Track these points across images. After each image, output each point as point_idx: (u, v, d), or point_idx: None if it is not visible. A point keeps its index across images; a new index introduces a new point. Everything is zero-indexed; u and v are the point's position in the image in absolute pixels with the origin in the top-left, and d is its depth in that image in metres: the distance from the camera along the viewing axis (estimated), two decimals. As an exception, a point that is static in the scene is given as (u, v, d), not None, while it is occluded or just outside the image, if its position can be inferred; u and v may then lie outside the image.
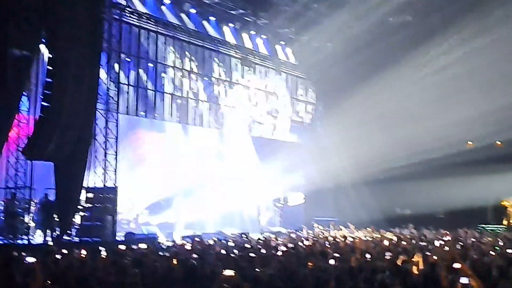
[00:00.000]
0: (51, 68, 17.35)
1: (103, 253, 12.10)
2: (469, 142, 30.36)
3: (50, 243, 17.04)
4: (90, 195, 19.50)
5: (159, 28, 24.65)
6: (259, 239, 17.51)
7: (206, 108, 27.37)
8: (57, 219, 18.54)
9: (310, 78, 33.50)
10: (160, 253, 12.37)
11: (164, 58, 25.26)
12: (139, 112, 24.20)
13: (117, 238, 19.69)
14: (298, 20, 28.76)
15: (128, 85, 23.38)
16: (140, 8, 23.84)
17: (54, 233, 18.35)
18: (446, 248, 14.13)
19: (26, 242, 17.69)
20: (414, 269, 10.16)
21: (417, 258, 10.62)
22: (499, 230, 26.61)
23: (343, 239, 17.35)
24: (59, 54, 17.45)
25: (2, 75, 16.05)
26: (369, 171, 29.22)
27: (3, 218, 18.08)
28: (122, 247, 12.76)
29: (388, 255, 11.51)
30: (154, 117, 25.00)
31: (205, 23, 27.41)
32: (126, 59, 23.19)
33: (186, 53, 26.35)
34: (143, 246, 13.61)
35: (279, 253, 11.53)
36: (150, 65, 24.72)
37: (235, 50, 28.48)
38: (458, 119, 27.12)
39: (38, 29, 17.23)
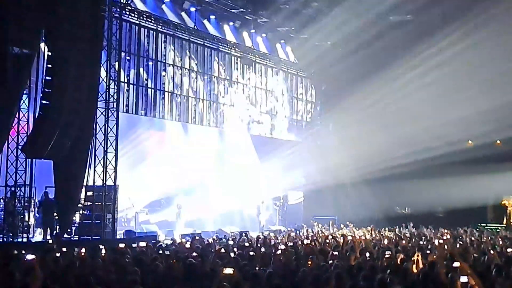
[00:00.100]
0: (51, 66, 17.34)
1: (103, 252, 12.09)
2: (469, 141, 30.37)
3: (50, 241, 17.03)
4: (90, 193, 19.53)
5: (159, 26, 24.65)
6: (258, 237, 17.49)
7: (206, 107, 27.37)
8: (57, 218, 18.55)
9: (310, 77, 33.50)
10: (160, 251, 12.36)
11: (164, 56, 25.25)
12: (139, 110, 24.20)
13: (117, 236, 19.69)
14: (298, 18, 28.76)
15: (128, 83, 23.37)
16: (140, 6, 23.84)
17: (54, 232, 18.36)
18: (446, 247, 14.12)
19: (25, 240, 17.72)
20: (414, 268, 10.18)
21: (417, 257, 10.63)
22: (498, 229, 26.62)
23: (342, 238, 17.33)
24: (59, 52, 17.45)
25: (2, 73, 16.05)
26: (369, 169, 29.24)
27: (3, 216, 18.08)
28: (122, 245, 12.74)
29: (387, 254, 11.51)
30: (154, 115, 24.99)
31: (205, 21, 27.43)
32: (126, 57, 23.17)
33: (186, 51, 26.35)
34: (142, 244, 13.60)
35: (279, 251, 11.51)
36: (150, 63, 24.71)
37: (235, 48, 28.47)
38: (458, 118, 27.14)
39: (38, 28, 17.23)
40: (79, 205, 19.25)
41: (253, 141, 29.65)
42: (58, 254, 11.19)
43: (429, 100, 28.59)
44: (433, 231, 23.04)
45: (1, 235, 17.65)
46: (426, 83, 28.27)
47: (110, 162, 20.17)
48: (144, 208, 24.53)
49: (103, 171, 19.90)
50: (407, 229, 24.07)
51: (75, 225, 19.30)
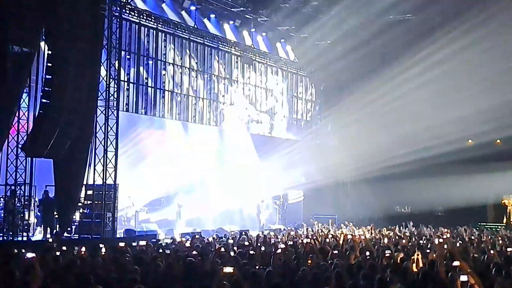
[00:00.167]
0: (51, 65, 17.34)
1: (103, 250, 12.09)
2: (469, 140, 30.36)
3: (50, 240, 17.03)
4: (90, 192, 19.52)
5: (159, 25, 24.65)
6: (258, 236, 17.49)
7: (206, 106, 27.36)
8: (57, 216, 18.55)
9: (310, 76, 33.50)
10: (160, 250, 12.37)
11: (164, 55, 25.26)
12: (139, 109, 24.20)
13: (116, 235, 19.69)
14: (298, 17, 28.76)
15: (128, 82, 23.38)
16: (140, 5, 23.84)
17: (54, 230, 18.37)
18: (446, 246, 14.13)
19: (25, 239, 17.72)
20: (414, 267, 10.18)
21: (417, 256, 10.63)
22: (498, 228, 26.62)
23: (342, 237, 17.34)
24: (59, 51, 17.44)
25: (2, 72, 16.04)
26: (369, 168, 29.27)
27: (3, 215, 18.07)
28: (122, 244, 12.74)
29: (387, 253, 11.51)
30: (154, 114, 24.99)
31: (205, 20, 27.43)
32: (126, 56, 23.17)
33: (186, 50, 26.35)
34: (142, 243, 13.60)
35: (279, 250, 11.50)
36: (150, 62, 24.72)
37: (235, 47, 28.46)
38: (458, 117, 27.14)
39: (38, 26, 17.21)
40: (79, 204, 19.24)
41: (253, 140, 29.65)
42: (58, 253, 11.18)
43: (429, 99, 28.59)
44: (433, 230, 23.04)
45: (1, 234, 17.64)
46: (426, 82, 28.25)
47: (110, 161, 20.16)
48: (144, 207, 24.54)
49: (103, 170, 19.89)
50: (407, 228, 24.06)
51: (75, 224, 19.30)
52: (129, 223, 23.23)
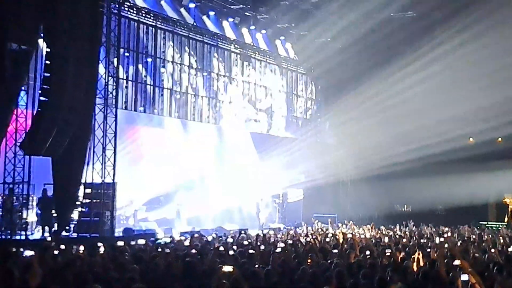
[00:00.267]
0: (49, 62, 17.28)
1: (102, 249, 12.03)
2: (470, 139, 30.32)
3: (48, 238, 16.98)
4: (89, 190, 19.46)
5: (158, 22, 24.60)
6: (258, 235, 17.45)
7: (206, 104, 27.30)
8: (55, 215, 18.50)
9: (310, 74, 33.44)
10: (159, 249, 12.32)
11: (163, 53, 25.20)
12: (138, 107, 24.15)
13: (115, 234, 19.63)
14: (298, 15, 28.71)
15: (127, 80, 23.33)
16: (139, 2, 23.78)
17: (52, 229, 18.31)
18: (447, 245, 14.08)
19: (24, 237, 17.66)
20: (414, 266, 10.13)
21: (418, 255, 10.58)
22: (499, 227, 26.59)
23: (342, 236, 17.29)
24: (58, 49, 17.38)
25: (0, 70, 15.98)
26: (369, 167, 29.22)
27: (1, 214, 18.01)
28: (121, 243, 12.69)
29: (388, 252, 11.46)
30: (153, 112, 24.93)
31: (204, 17, 27.36)
32: (125, 54, 23.11)
33: (186, 48, 26.29)
34: (141, 242, 13.55)
35: (278, 249, 11.45)
36: (149, 60, 24.65)
37: (234, 45, 28.40)
38: (458, 115, 27.09)
39: (37, 24, 17.17)
40: (78, 203, 19.19)
41: (253, 138, 29.61)
42: (56, 252, 11.14)
43: (430, 97, 28.55)
44: (434, 229, 23.00)
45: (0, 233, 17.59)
46: (426, 79, 28.22)
47: (108, 159, 20.10)
48: (142, 205, 24.49)
49: (101, 168, 19.84)
50: (407, 228, 24.02)
51: (74, 222, 19.22)
52: (127, 222, 23.17)
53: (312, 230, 22.07)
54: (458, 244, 15.34)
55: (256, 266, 9.60)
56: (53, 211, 18.51)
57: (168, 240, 16.65)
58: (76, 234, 18.81)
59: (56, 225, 18.45)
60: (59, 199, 18.40)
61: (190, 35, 26.26)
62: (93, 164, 19.67)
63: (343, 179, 32.42)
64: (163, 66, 25.32)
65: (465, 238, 18.19)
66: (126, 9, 22.53)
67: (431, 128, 28.43)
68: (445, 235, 19.28)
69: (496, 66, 26.50)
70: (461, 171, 27.77)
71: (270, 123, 30.79)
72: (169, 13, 25.29)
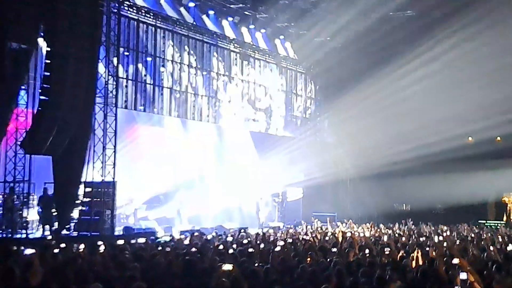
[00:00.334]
0: (49, 61, 17.33)
1: (102, 248, 12.07)
2: (469, 138, 30.35)
3: (49, 237, 17.02)
4: (89, 189, 19.49)
5: (158, 22, 24.61)
6: (257, 234, 17.49)
7: (205, 103, 27.33)
8: (56, 214, 18.53)
9: (309, 73, 33.46)
10: (159, 247, 12.36)
11: (163, 52, 25.20)
12: (138, 106, 24.16)
13: (115, 232, 19.67)
14: (298, 14, 28.71)
15: (127, 79, 23.33)
16: (139, 1, 23.78)
17: (53, 228, 18.35)
18: (446, 244, 14.13)
19: (24, 236, 17.69)
20: (413, 265, 10.17)
21: (417, 253, 10.62)
22: (498, 226, 26.63)
23: (341, 235, 17.34)
24: (58, 48, 17.42)
25: (0, 69, 16.03)
26: (369, 166, 29.24)
27: (2, 213, 18.05)
28: (121, 241, 12.72)
29: (387, 251, 11.50)
30: (153, 111, 24.95)
31: (204, 17, 27.37)
32: (125, 53, 23.13)
33: (185, 47, 26.30)
34: (141, 240, 13.59)
35: (278, 248, 11.49)
36: (149, 59, 24.67)
37: (234, 44, 28.42)
38: (457, 114, 27.10)
39: (37, 23, 17.22)
40: (78, 201, 19.22)
41: (252, 137, 29.64)
42: (57, 250, 11.17)
43: (429, 96, 28.56)
44: (433, 228, 23.05)
45: (0, 231, 17.62)
46: (425, 79, 28.23)
47: (108, 158, 20.14)
48: (142, 204, 24.53)
49: (102, 167, 19.88)
50: (406, 226, 24.06)
51: (74, 221, 19.27)
52: (127, 221, 23.21)
53: (312, 229, 22.11)
54: (457, 242, 15.38)
55: (256, 264, 9.64)
56: (53, 210, 18.55)
57: (168, 238, 16.69)
58: (77, 232, 18.85)
59: (56, 223, 18.49)
60: (59, 198, 18.45)
61: (189, 34, 26.28)
62: (93, 163, 19.71)
63: (343, 178, 32.44)
64: (163, 65, 25.33)
65: (464, 236, 18.22)
66: (126, 8, 22.55)
67: (431, 127, 28.45)
68: (444, 234, 19.33)
69: (495, 65, 26.53)
70: (461, 170, 27.81)
71: (269, 122, 30.81)
72: (168, 12, 25.30)
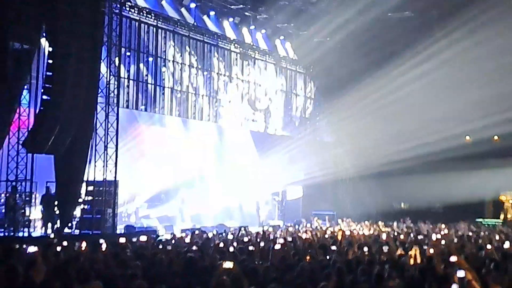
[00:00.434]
0: (51, 61, 17.42)
1: (104, 246, 12.16)
2: (467, 137, 30.42)
3: (51, 235, 17.14)
4: (91, 188, 19.59)
5: (159, 22, 24.70)
6: (258, 232, 17.59)
7: (206, 102, 27.43)
8: (58, 212, 18.64)
9: (309, 73, 33.52)
10: (160, 246, 12.46)
11: (164, 52, 25.29)
12: (139, 105, 24.27)
13: (117, 231, 19.79)
14: (298, 14, 28.78)
15: (128, 79, 23.42)
16: (140, 2, 23.88)
17: (55, 226, 18.47)
18: (444, 242, 14.24)
19: (26, 234, 17.80)
20: (412, 262, 10.28)
21: (415, 251, 10.73)
22: (496, 224, 26.73)
23: (341, 233, 17.45)
24: (60, 48, 17.50)
25: (2, 69, 16.12)
26: (368, 165, 29.31)
27: (4, 211, 18.16)
28: (122, 239, 12.81)
29: (386, 249, 11.61)
30: (154, 110, 25.06)
31: (205, 17, 27.46)
32: (126, 53, 23.22)
33: (186, 47, 26.39)
34: (143, 239, 13.69)
35: (278, 246, 11.59)
36: (150, 59, 24.76)
37: (234, 44, 28.51)
38: (455, 113, 27.17)
39: (39, 23, 17.30)
40: (80, 200, 19.33)
41: (253, 136, 29.72)
42: (59, 249, 11.26)
43: (427, 96, 28.63)
44: (431, 226, 23.15)
45: (2, 230, 17.73)
46: (423, 78, 28.28)
47: (110, 157, 20.23)
48: (144, 203, 24.63)
49: (103, 166, 19.99)
50: (404, 225, 24.17)
51: (76, 219, 19.38)
52: (129, 219, 23.32)
53: (311, 227, 22.21)
54: (455, 241, 15.49)
55: (256, 262, 9.75)
56: (55, 209, 18.66)
57: (169, 237, 16.80)
58: (79, 231, 18.96)
59: (58, 222, 18.60)
60: (61, 197, 18.56)
61: (190, 35, 26.37)
62: (95, 162, 19.81)
63: (342, 177, 32.52)
64: (164, 65, 25.43)
65: (462, 235, 18.33)
66: (128, 9, 22.65)
67: (429, 127, 28.52)
68: (442, 232, 19.44)
69: (493, 65, 26.59)
70: (458, 169, 27.88)
71: (268, 122, 30.88)
72: (170, 13, 25.40)
